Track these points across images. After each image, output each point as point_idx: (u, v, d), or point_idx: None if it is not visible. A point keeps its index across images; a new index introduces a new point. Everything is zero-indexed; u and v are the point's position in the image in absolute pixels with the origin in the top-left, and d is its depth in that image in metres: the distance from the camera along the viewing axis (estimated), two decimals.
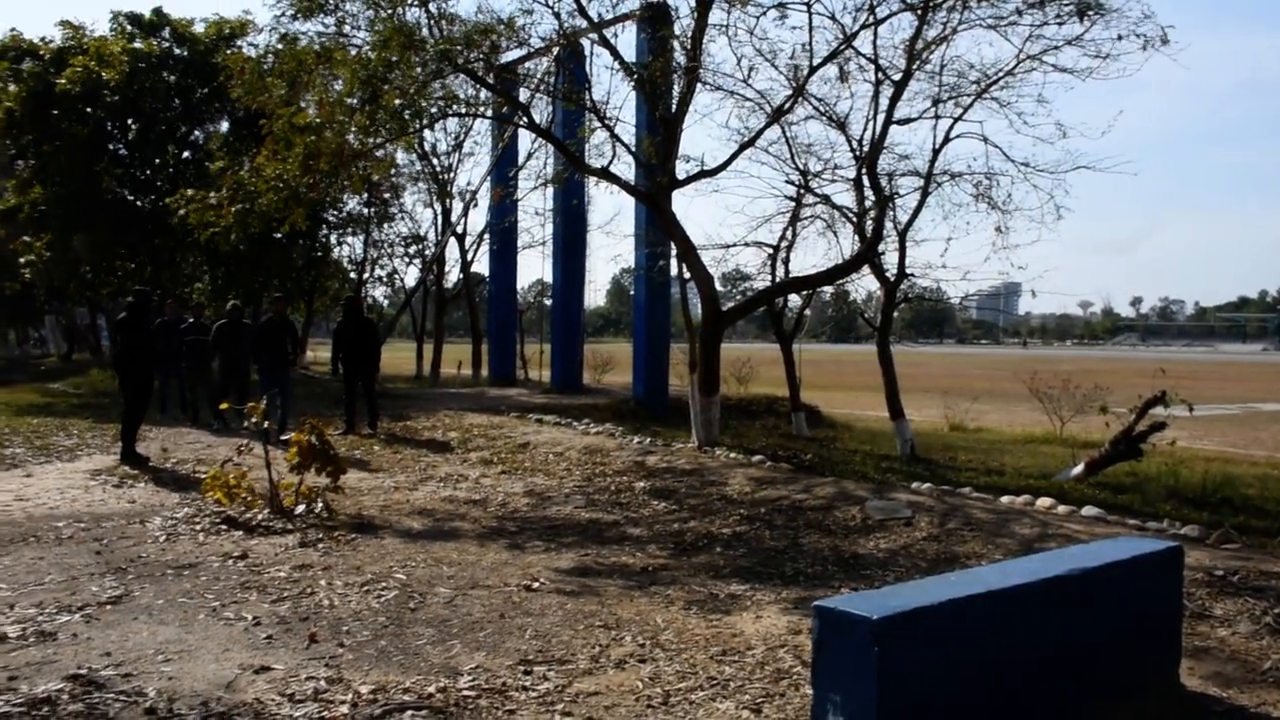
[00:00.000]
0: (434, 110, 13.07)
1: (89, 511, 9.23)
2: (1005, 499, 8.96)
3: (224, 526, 8.55)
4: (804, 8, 11.91)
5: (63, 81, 22.99)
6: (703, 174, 13.37)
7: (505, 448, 12.91)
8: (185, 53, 25.54)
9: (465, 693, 4.74)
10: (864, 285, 21.98)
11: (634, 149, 13.98)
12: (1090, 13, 11.23)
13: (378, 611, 6.13)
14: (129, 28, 25.87)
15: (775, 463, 11.07)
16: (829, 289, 18.41)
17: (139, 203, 25.35)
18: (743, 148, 13.39)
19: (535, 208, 31.46)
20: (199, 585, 6.71)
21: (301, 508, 8.92)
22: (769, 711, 4.55)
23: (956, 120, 13.24)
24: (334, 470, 9.26)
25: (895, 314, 15.37)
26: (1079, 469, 11.44)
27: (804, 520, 8.51)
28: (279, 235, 20.52)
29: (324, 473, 9.23)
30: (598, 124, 13.20)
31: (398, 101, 10.80)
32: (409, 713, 4.51)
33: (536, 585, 6.75)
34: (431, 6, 12.02)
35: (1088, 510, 8.27)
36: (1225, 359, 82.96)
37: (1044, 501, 8.72)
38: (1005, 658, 3.84)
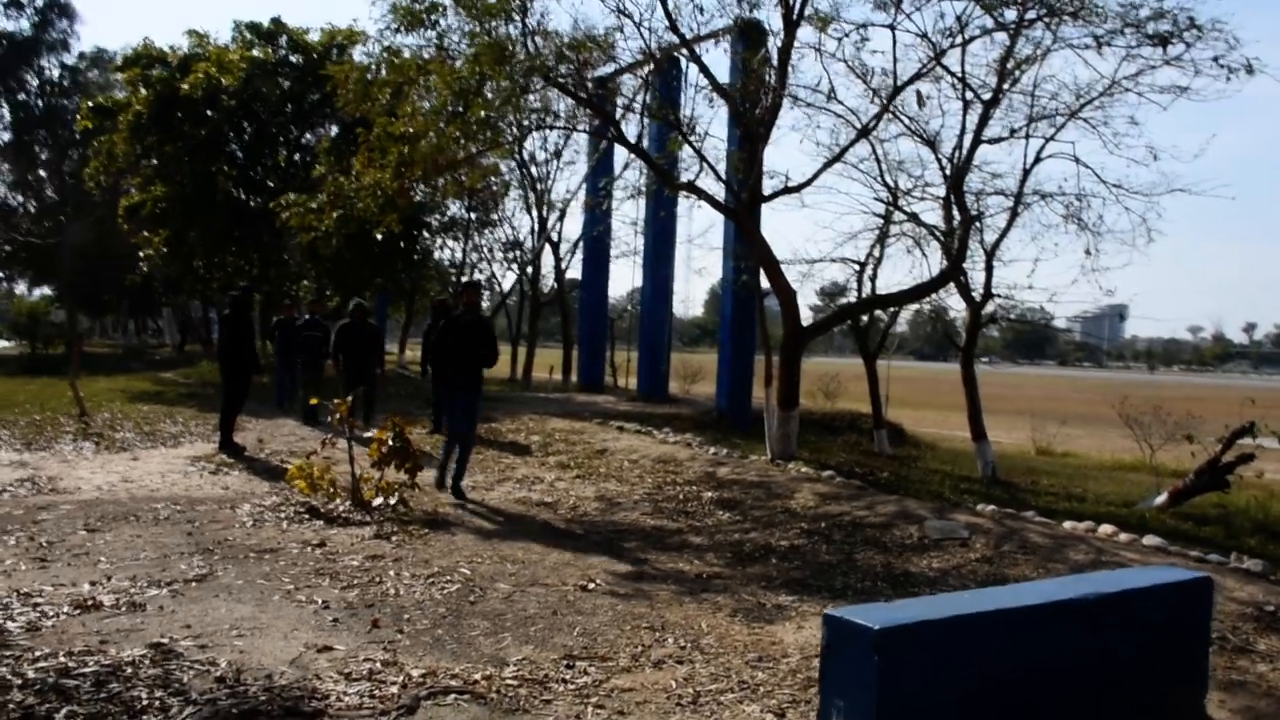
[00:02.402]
0: (525, 122, 13.48)
1: (185, 495, 9.82)
2: (1068, 524, 8.92)
3: (307, 516, 9.02)
4: (887, 29, 11.98)
5: (186, 87, 24.26)
6: (786, 190, 13.51)
7: (583, 453, 13.23)
8: (300, 60, 26.65)
9: (508, 681, 5.03)
10: (960, 304, 21.83)
11: (725, 163, 14.18)
12: (1172, 41, 11.12)
13: (439, 602, 6.46)
14: (249, 36, 27.10)
15: (846, 479, 11.15)
16: (926, 306, 18.44)
17: (251, 202, 26.52)
18: (827, 165, 13.51)
19: (631, 217, 31.97)
20: (277, 569, 7.15)
21: (380, 501, 9.35)
22: (792, 716, 4.73)
23: (1048, 140, 13.17)
24: (413, 467, 9.66)
25: (996, 335, 15.33)
26: (1162, 498, 11.25)
27: (862, 536, 8.62)
28: (379, 236, 21.25)
29: (403, 469, 9.65)
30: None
31: (483, 114, 11.21)
32: (452, 696, 4.81)
33: (592, 586, 7.01)
34: (529, 20, 12.43)
35: (1149, 539, 8.19)
36: None
37: (1106, 529, 8.66)
38: (1012, 676, 3.96)
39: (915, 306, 18.13)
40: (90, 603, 6.01)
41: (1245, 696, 5.23)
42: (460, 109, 11.73)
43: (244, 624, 5.80)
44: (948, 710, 3.75)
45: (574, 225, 29.75)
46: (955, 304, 16.72)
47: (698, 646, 5.73)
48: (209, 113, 25.32)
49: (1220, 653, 5.71)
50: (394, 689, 4.87)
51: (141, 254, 27.02)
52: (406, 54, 13.15)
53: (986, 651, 3.87)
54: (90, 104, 26.86)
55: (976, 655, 3.84)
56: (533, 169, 28.50)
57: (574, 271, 30.61)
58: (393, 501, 9.36)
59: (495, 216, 32.34)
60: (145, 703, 4.52)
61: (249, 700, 4.66)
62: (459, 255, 34.41)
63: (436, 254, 32.74)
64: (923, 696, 3.63)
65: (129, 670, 4.89)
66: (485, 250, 34.14)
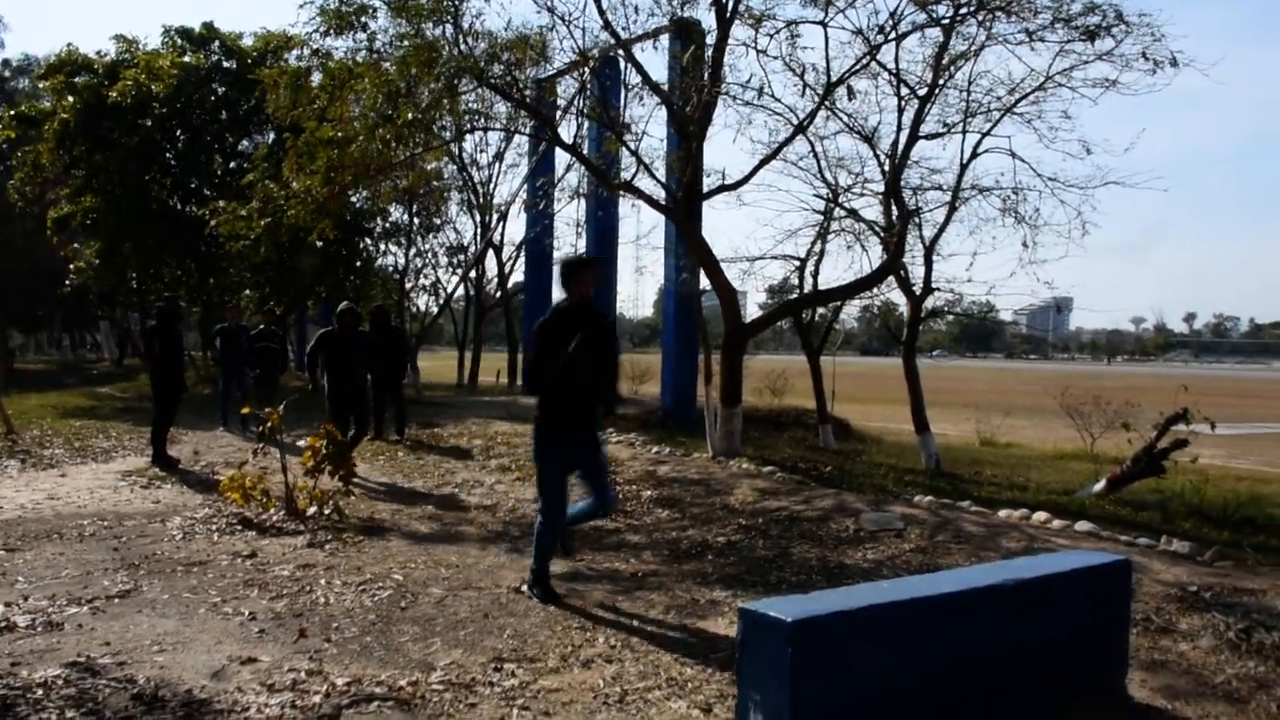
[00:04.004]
0: (459, 124, 13.35)
1: (114, 511, 9.59)
2: (1003, 513, 9.00)
3: (239, 527, 8.85)
4: (820, 26, 12.02)
5: (114, 94, 23.75)
6: (723, 188, 13.51)
7: (525, 455, 13.08)
8: (234, 65, 26.22)
9: (434, 686, 4.95)
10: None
11: (666, 163, 14.15)
12: (1101, 36, 11.28)
13: (369, 609, 6.36)
14: (180, 41, 26.62)
15: (788, 474, 11.16)
16: (875, 302, 18.59)
17: (187, 211, 26.04)
18: (764, 161, 13.50)
19: (576, 219, 31.82)
20: (205, 582, 6.99)
21: (314, 510, 9.19)
22: (718, 711, 4.71)
23: (984, 135, 13.31)
24: (346, 474, 9.52)
25: (944, 329, 15.53)
26: (1101, 485, 11.42)
27: (798, 530, 8.62)
28: (319, 243, 20.91)
29: (337, 476, 9.50)
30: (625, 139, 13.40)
31: (411, 115, 11.07)
32: (375, 703, 4.72)
33: (525, 588, 6.93)
34: (463, 21, 12.29)
35: (1081, 525, 8.29)
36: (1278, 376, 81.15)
37: (1039, 516, 8.75)
38: (930, 663, 3.95)
39: (863, 302, 18.30)
40: (3, 624, 5.81)
41: (1166, 675, 5.28)
42: (390, 112, 11.59)
43: (166, 639, 5.65)
44: (864, 700, 3.73)
45: (518, 228, 29.66)
46: (899, 299, 16.85)
47: (628, 645, 5.69)
48: (140, 121, 24.83)
49: (1144, 633, 5.77)
50: (317, 698, 4.77)
51: (72, 267, 26.42)
52: (338, 57, 12.98)
53: (903, 640, 3.86)
54: (12, 113, 26.19)
55: (893, 644, 3.82)
56: (474, 172, 28.32)
57: (519, 275, 30.50)
58: (327, 510, 9.21)
59: (438, 221, 32.07)
60: None
61: (166, 716, 4.54)
62: (402, 261, 34.11)
63: (380, 261, 32.37)
64: (838, 687, 3.61)
65: (40, 692, 4.75)
66: (429, 255, 33.86)
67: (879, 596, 3.95)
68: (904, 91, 12.97)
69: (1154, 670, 5.33)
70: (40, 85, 28.77)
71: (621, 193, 14.45)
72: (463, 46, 12.05)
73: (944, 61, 12.64)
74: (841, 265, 40.82)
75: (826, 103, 12.93)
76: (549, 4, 12.16)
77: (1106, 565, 4.81)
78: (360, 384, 12.29)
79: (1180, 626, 5.90)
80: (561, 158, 23.63)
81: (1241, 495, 11.50)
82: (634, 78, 13.45)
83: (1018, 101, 12.87)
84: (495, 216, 28.26)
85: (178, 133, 25.91)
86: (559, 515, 6.77)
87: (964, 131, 13.36)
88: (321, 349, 12.24)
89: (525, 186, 24.18)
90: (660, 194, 13.88)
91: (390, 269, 33.09)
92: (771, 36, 12.17)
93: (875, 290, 15.57)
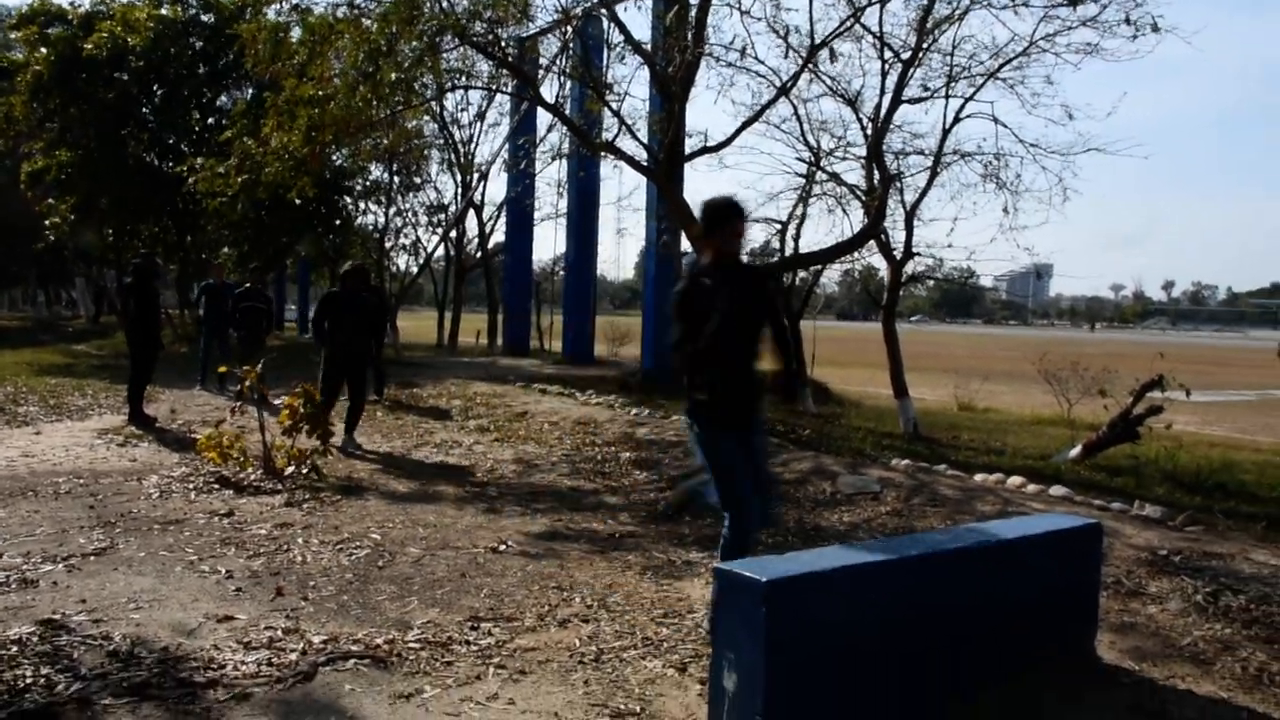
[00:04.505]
0: (441, 82, 13.23)
1: (90, 469, 9.53)
2: (979, 477, 9.07)
3: (216, 486, 8.83)
4: None
5: (89, 47, 23.34)
6: (705, 150, 13.47)
7: (503, 416, 13.14)
8: (212, 19, 25.83)
9: (411, 645, 4.97)
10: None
11: (648, 124, 14.07)
12: (1082, 0, 11.23)
13: (346, 569, 6.37)
14: None
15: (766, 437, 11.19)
16: (856, 267, 18.61)
17: (165, 167, 25.73)
18: (746, 124, 13.47)
19: (557, 180, 31.60)
20: (181, 540, 6.97)
21: (292, 469, 9.18)
22: (693, 670, 4.75)
23: (967, 100, 13.27)
24: (323, 434, 9.51)
25: (924, 294, 15.54)
26: (1077, 450, 11.50)
27: (775, 493, 8.65)
28: (298, 201, 20.63)
29: (314, 436, 9.49)
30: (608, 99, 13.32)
31: (394, 75, 10.95)
32: (352, 661, 4.74)
33: (503, 548, 6.97)
34: None
35: (1056, 489, 8.37)
36: (1255, 345, 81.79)
37: (1015, 480, 8.83)
38: (904, 625, 3.99)
39: (844, 266, 18.32)
40: None
41: (1135, 637, 5.36)
42: (371, 70, 11.46)
43: (143, 596, 5.65)
44: (839, 660, 3.77)
45: (499, 188, 29.52)
46: (880, 263, 16.87)
47: (604, 604, 5.73)
48: (116, 74, 24.44)
49: (1115, 596, 5.86)
50: (293, 656, 4.79)
51: (47, 222, 26.09)
52: (319, 12, 12.83)
53: (877, 601, 3.90)
54: None
55: (867, 605, 3.86)
56: (455, 131, 28.10)
57: (500, 235, 30.39)
58: (304, 469, 9.20)
59: (418, 180, 31.83)
60: (30, 680, 4.39)
61: (141, 673, 4.54)
62: (382, 220, 33.90)
63: (360, 219, 32.12)
64: (813, 647, 3.64)
65: (14, 649, 4.74)
66: (409, 214, 33.64)
67: (853, 558, 3.98)
68: (887, 55, 12.92)
69: (1123, 632, 5.41)
70: (13, 36, 28.26)
71: (603, 153, 14.38)
72: (444, 3, 11.92)
73: (928, 25, 12.57)
74: (823, 229, 40.78)
75: (809, 65, 12.87)
76: None
77: (1078, 529, 4.87)
78: (361, 350, 11.39)
79: (1150, 589, 5.99)
80: (543, 118, 23.45)
81: (1214, 461, 11.60)
82: (617, 37, 13.35)
83: (1001, 66, 12.82)
84: (476, 176, 28.08)
85: (154, 87, 25.51)
86: (748, 514, 5.29)
87: (947, 96, 13.31)
88: (327, 312, 11.30)
89: (506, 146, 24.00)
90: (642, 155, 13.82)
91: (370, 228, 32.88)
92: None
93: (856, 255, 15.61)
